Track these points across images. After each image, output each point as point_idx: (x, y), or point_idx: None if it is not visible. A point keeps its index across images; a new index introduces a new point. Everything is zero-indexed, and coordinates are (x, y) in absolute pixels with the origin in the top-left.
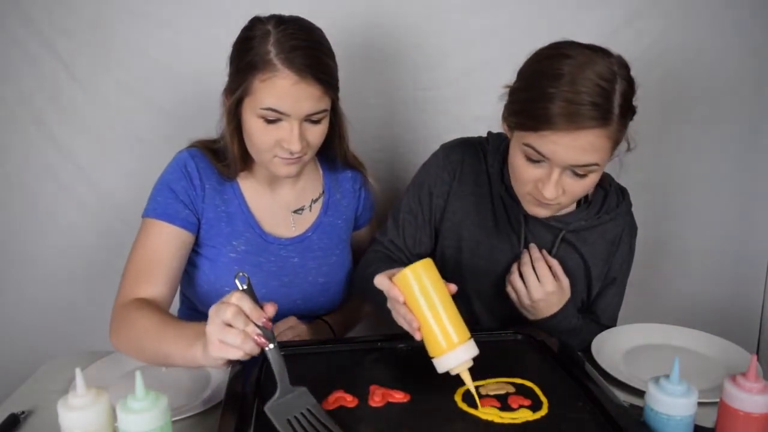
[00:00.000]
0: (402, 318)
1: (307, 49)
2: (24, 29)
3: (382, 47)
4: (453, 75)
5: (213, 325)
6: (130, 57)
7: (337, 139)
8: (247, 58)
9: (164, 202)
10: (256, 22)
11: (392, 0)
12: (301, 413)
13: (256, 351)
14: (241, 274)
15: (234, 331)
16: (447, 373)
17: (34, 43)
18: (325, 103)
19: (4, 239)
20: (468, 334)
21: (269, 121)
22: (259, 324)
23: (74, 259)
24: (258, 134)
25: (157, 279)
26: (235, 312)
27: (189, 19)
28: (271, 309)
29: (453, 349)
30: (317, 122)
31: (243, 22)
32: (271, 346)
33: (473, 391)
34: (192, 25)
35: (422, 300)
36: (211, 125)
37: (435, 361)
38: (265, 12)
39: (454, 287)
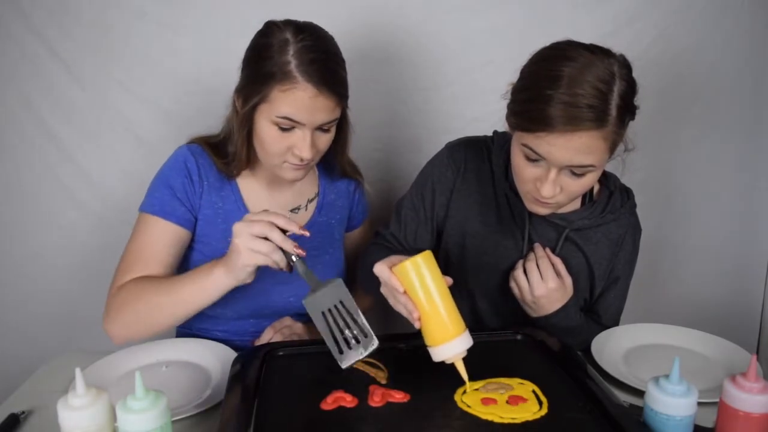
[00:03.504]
0: (402, 306)
1: (325, 62)
2: (24, 29)
3: (382, 47)
4: (453, 75)
5: (242, 237)
6: (130, 57)
7: (340, 146)
8: (266, 66)
9: (161, 199)
10: (272, 28)
11: (393, 0)
12: (334, 306)
13: (283, 263)
14: None
15: (264, 241)
16: (447, 373)
17: (34, 43)
18: (337, 113)
19: (4, 239)
20: (464, 326)
21: (283, 129)
22: (296, 233)
23: (74, 259)
24: (271, 140)
25: (151, 268)
26: (269, 226)
27: (189, 20)
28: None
29: (450, 341)
30: (327, 130)
31: (243, 23)
32: (301, 255)
33: (466, 379)
34: (192, 25)
35: (421, 292)
36: (211, 125)
37: (431, 350)
38: (265, 13)
39: (450, 280)
